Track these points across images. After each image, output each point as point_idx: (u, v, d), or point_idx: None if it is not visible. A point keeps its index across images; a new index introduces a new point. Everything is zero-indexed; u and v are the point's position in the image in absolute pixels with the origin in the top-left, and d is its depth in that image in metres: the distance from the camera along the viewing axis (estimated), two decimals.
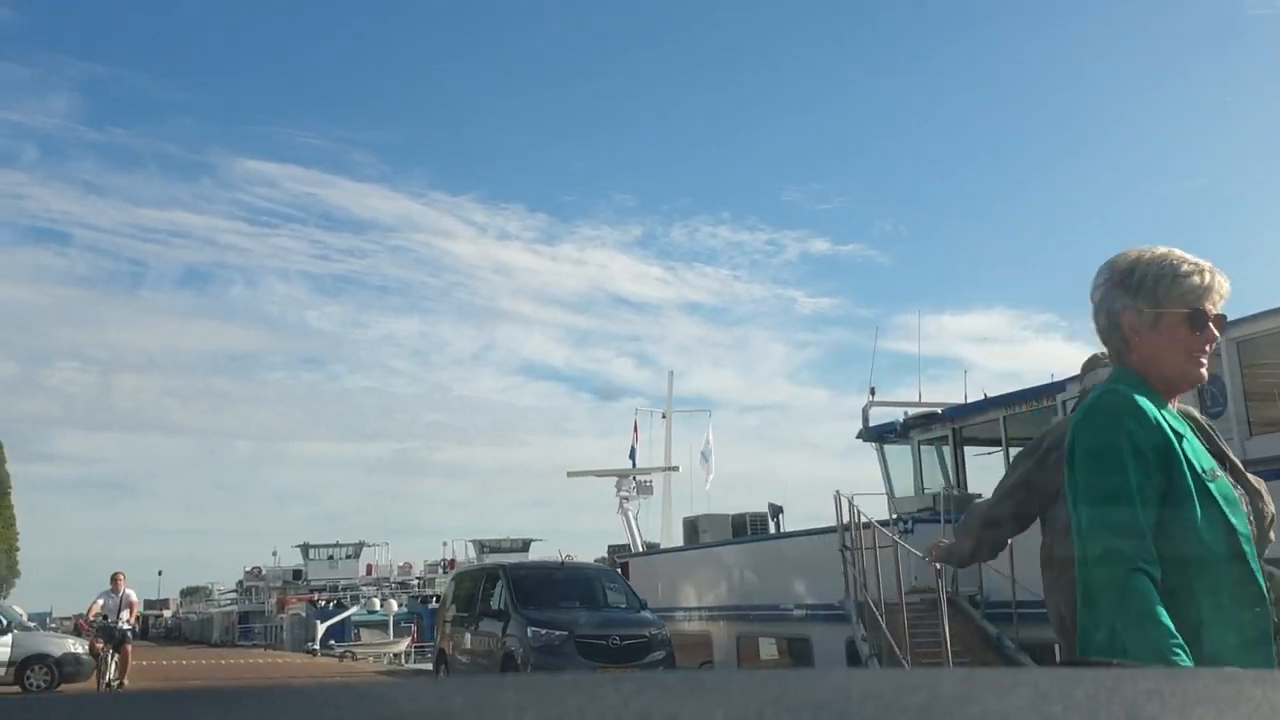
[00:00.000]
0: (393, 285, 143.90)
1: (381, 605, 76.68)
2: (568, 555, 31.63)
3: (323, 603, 76.76)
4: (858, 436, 22.58)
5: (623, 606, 18.62)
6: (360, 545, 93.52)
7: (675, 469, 30.46)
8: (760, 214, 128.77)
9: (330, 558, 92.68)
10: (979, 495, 20.06)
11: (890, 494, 22.08)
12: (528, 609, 17.79)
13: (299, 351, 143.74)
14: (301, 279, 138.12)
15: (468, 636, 19.18)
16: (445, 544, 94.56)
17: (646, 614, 18.34)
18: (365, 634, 72.06)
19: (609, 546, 30.38)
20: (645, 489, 30.42)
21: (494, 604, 18.40)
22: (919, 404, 22.11)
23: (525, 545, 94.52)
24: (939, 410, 20.61)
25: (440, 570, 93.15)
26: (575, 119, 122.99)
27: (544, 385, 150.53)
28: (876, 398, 22.09)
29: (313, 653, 64.55)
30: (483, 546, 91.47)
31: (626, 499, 29.30)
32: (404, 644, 68.80)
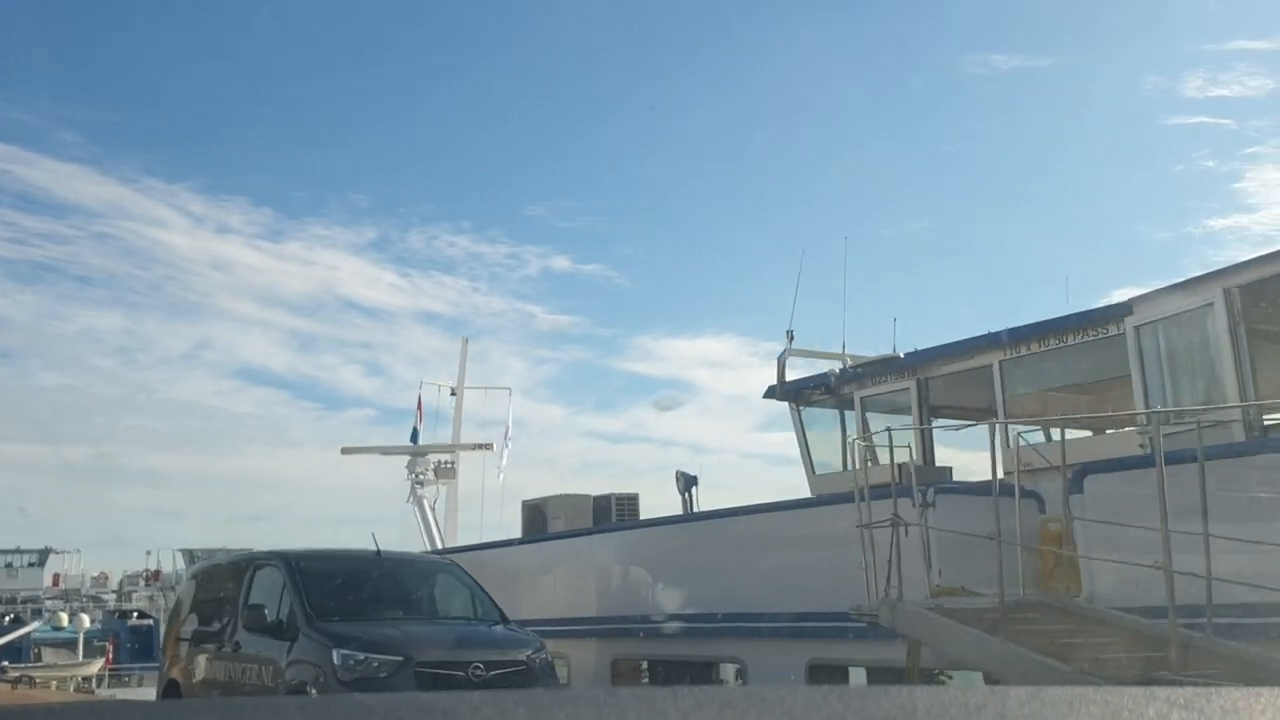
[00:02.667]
0: (96, 276, 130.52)
1: (70, 621, 66.12)
2: None
3: None
4: (767, 395, 16.99)
5: (474, 617, 12.23)
6: (46, 552, 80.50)
7: (488, 447, 24.18)
8: (503, 226, 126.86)
9: (8, 565, 79.07)
10: (949, 470, 14.87)
11: (810, 469, 16.57)
12: (328, 621, 11.17)
13: None
14: None
15: (220, 663, 12.29)
16: (149, 553, 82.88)
17: (513, 628, 12.03)
18: (49, 654, 61.58)
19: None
20: (446, 471, 23.88)
21: (268, 614, 11.62)
22: (839, 355, 16.77)
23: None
24: (899, 355, 15.26)
25: (142, 582, 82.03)
26: (312, 113, 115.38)
27: (264, 391, 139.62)
28: (795, 345, 16.55)
29: None
30: (193, 557, 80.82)
31: (421, 484, 22.83)
32: (96, 666, 59.10)
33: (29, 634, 60.27)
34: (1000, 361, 14.13)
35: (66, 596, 78.64)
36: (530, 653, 11.19)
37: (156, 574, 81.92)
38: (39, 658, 60.78)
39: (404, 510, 23.84)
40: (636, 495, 17.84)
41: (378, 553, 12.42)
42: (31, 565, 79.70)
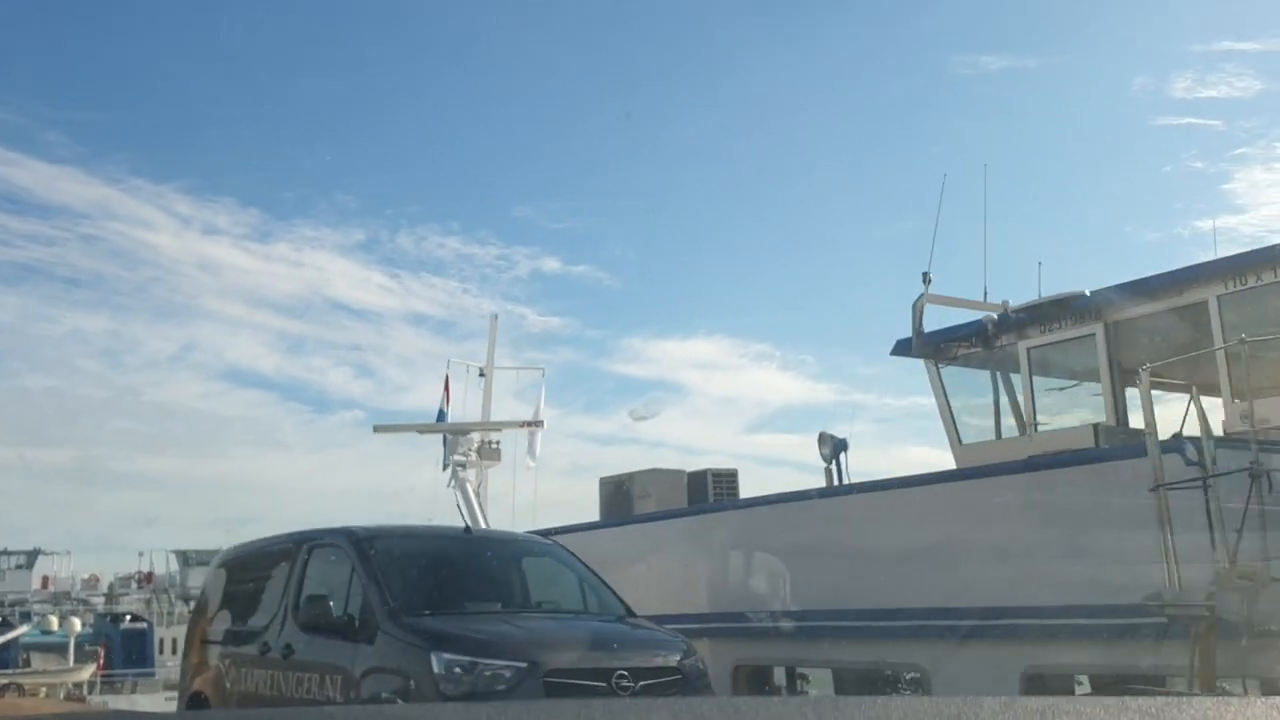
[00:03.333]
0: (82, 277, 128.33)
1: (60, 625, 63.23)
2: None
3: None
4: (897, 351, 14.28)
5: (593, 611, 9.47)
6: (35, 553, 77.30)
7: (540, 424, 21.39)
8: (492, 227, 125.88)
9: None
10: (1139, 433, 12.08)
11: (955, 438, 13.84)
12: (416, 616, 8.43)
13: None
14: None
15: (264, 672, 9.55)
16: (141, 554, 79.75)
17: (650, 626, 9.27)
18: (38, 659, 58.68)
19: None
20: (491, 452, 21.05)
21: (333, 607, 8.85)
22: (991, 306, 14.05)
23: None
24: (1085, 293, 12.51)
25: (134, 584, 78.94)
26: (300, 114, 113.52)
27: (251, 393, 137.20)
28: (933, 291, 13.82)
29: None
30: (187, 558, 77.99)
31: (463, 466, 20.07)
32: (88, 671, 56.14)
33: (17, 638, 57.34)
34: (1219, 297, 11.44)
35: (56, 599, 75.66)
36: (682, 657, 8.48)
37: (149, 576, 78.97)
38: (28, 663, 57.94)
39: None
40: (735, 471, 15.12)
41: (466, 530, 9.66)
42: (19, 567, 76.51)
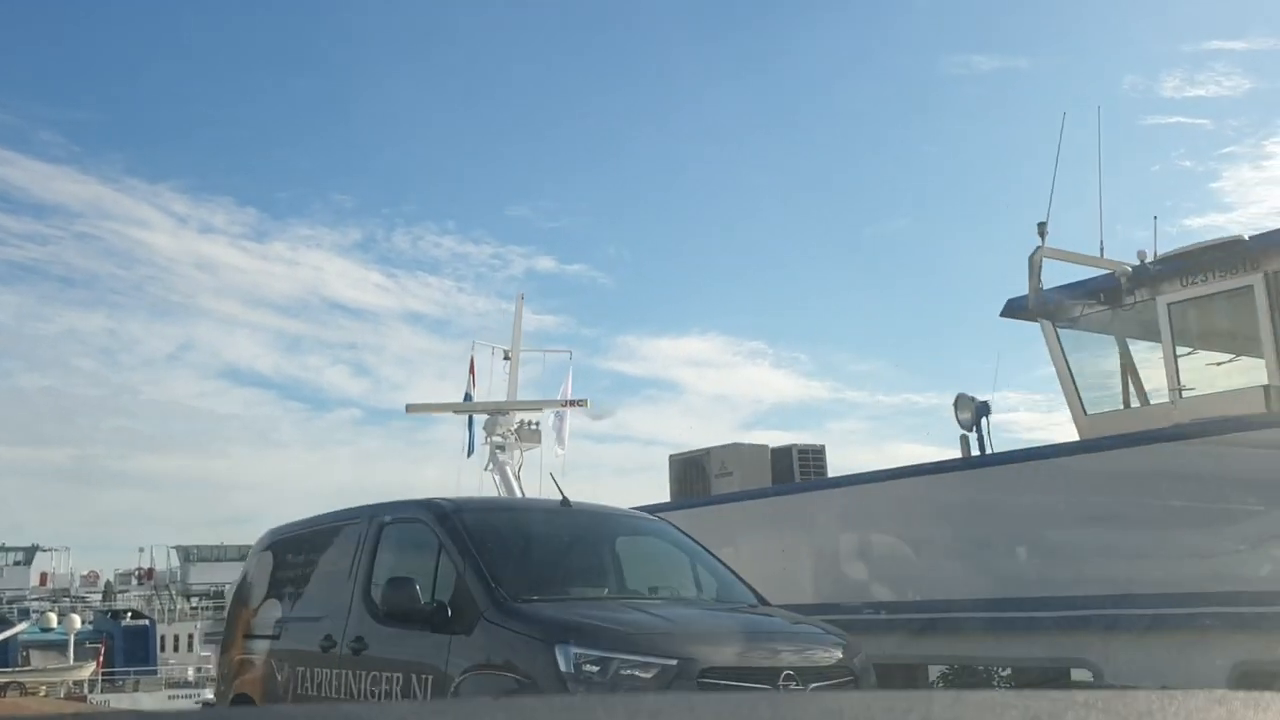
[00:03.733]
0: (78, 276, 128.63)
1: (60, 622, 61.78)
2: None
3: None
4: (1008, 312, 12.83)
5: (722, 599, 8.00)
6: (33, 549, 75.65)
7: (583, 403, 19.97)
8: (487, 227, 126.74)
9: None
10: None
11: (1079, 407, 12.39)
12: (526, 603, 6.98)
13: None
14: None
15: (328, 671, 8.10)
16: (141, 550, 78.16)
17: (799, 617, 7.81)
18: (37, 657, 57.37)
19: None
20: (530, 434, 19.65)
21: (422, 591, 7.36)
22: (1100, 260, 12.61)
23: (243, 552, 79.81)
24: (1243, 237, 11.04)
25: (135, 580, 77.38)
26: (295, 111, 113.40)
27: (249, 392, 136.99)
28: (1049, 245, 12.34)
29: None
30: (188, 554, 76.45)
31: (501, 448, 18.66)
32: (88, 669, 54.93)
33: (16, 635, 55.77)
34: None
35: (55, 596, 74.05)
36: (848, 653, 7.03)
37: (150, 572, 77.36)
38: (27, 661, 56.50)
39: None
40: (823, 447, 13.66)
41: (564, 501, 8.20)
42: (18, 564, 74.84)
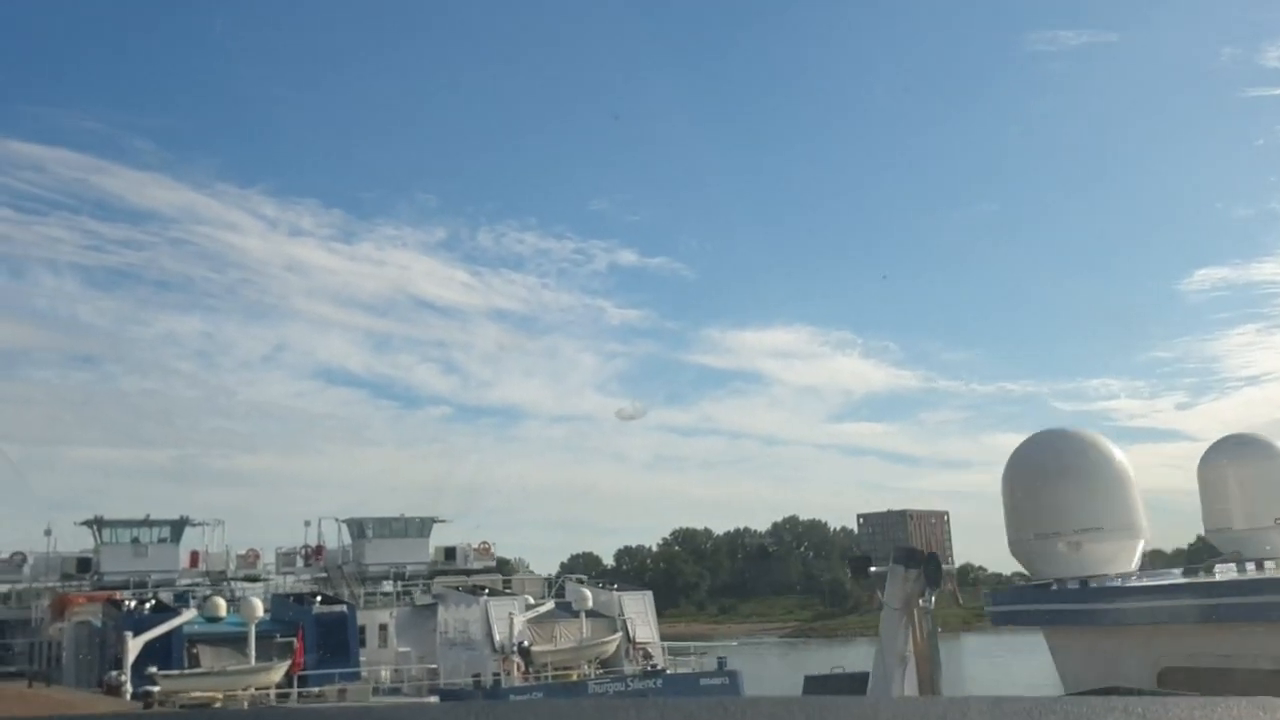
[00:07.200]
0: (174, 280, 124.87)
1: (230, 609, 47.73)
2: None
3: (130, 604, 46.00)
4: None
5: None
6: (182, 523, 62.72)
7: None
8: (568, 221, 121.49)
9: (135, 540, 61.03)
10: None
11: None
12: None
13: (70, 349, 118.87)
14: (73, 271, 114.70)
15: None
16: (308, 524, 64.57)
17: None
18: (208, 655, 43.57)
19: None
20: None
21: None
22: None
23: (424, 527, 65.41)
24: None
25: (301, 559, 63.84)
26: (376, 113, 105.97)
27: (341, 391, 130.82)
28: None
29: (117, 687, 36.76)
30: (362, 528, 62.94)
31: None
32: (280, 670, 40.90)
33: (179, 627, 42.02)
34: None
35: (210, 579, 60.59)
36: None
37: (319, 550, 63.85)
38: (195, 661, 42.46)
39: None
40: None
41: None
42: (163, 540, 61.64)
